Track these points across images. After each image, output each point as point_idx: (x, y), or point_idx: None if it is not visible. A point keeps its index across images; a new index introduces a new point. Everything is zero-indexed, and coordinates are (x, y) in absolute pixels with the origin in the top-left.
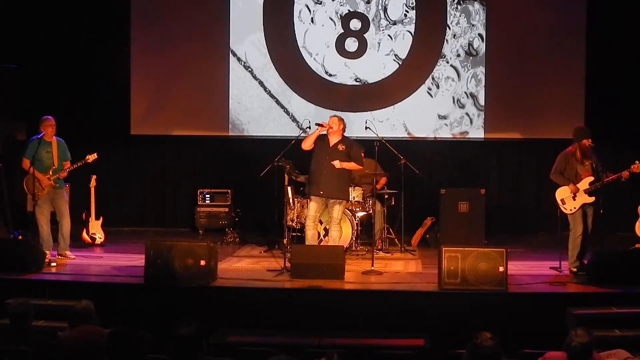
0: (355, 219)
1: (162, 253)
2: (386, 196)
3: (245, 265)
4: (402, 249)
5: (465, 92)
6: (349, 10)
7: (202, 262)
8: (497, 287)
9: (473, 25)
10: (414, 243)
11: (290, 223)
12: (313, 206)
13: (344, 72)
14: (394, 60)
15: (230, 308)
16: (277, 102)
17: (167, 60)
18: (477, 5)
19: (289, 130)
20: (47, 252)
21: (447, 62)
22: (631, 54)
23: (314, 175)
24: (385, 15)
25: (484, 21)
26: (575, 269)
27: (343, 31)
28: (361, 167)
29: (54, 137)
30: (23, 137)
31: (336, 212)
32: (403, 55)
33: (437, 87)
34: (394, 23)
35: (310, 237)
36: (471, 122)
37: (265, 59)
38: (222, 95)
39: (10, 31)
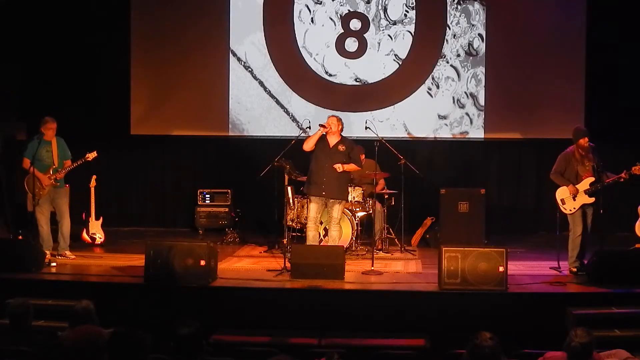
0: (355, 219)
1: (162, 253)
2: (386, 196)
3: (245, 265)
4: (402, 249)
5: (465, 92)
6: (349, 10)
7: (202, 262)
8: (497, 287)
9: (473, 25)
10: (414, 243)
11: (290, 223)
12: (313, 207)
13: (344, 72)
14: (394, 60)
15: (230, 308)
16: (277, 102)
17: (167, 61)
18: (477, 5)
19: (289, 130)
20: (47, 252)
21: (447, 62)
22: (631, 53)
23: (314, 175)
24: (385, 15)
25: (484, 21)
26: (575, 269)
27: (343, 31)
28: (360, 169)
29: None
30: (23, 137)
31: (336, 212)
32: (403, 55)
33: (437, 87)
34: (394, 23)
35: (312, 239)
36: (471, 122)
37: (265, 59)
38: (222, 95)
39: (10, 31)
